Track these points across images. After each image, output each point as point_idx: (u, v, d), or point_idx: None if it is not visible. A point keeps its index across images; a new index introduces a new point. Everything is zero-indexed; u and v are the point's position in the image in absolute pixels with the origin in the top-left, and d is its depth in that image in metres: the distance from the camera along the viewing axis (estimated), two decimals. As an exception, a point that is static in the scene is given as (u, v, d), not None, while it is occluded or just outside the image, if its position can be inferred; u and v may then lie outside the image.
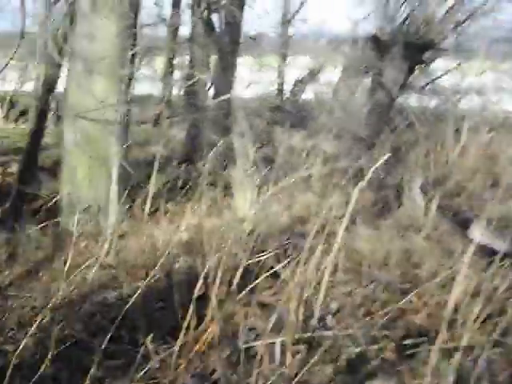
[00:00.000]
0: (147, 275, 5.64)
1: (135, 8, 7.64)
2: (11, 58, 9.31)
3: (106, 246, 6.31)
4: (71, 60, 8.45)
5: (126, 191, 8.34)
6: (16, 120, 27.43)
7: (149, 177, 9.80)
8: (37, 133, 12.26)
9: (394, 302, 5.31)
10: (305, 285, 4.64)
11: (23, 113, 29.39)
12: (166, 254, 6.31)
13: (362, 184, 3.72)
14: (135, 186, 10.70)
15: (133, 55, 7.58)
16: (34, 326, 4.46)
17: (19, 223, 9.56)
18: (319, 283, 5.03)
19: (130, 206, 8.76)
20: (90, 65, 7.97)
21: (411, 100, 17.14)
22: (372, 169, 3.58)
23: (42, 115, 12.34)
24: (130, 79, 8.02)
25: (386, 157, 3.55)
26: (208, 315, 4.41)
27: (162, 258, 6.09)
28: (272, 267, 5.26)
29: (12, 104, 29.95)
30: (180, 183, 13.58)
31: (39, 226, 8.26)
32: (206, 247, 6.27)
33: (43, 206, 11.39)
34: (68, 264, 6.89)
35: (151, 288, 5.28)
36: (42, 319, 4.99)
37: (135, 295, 4.72)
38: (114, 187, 6.57)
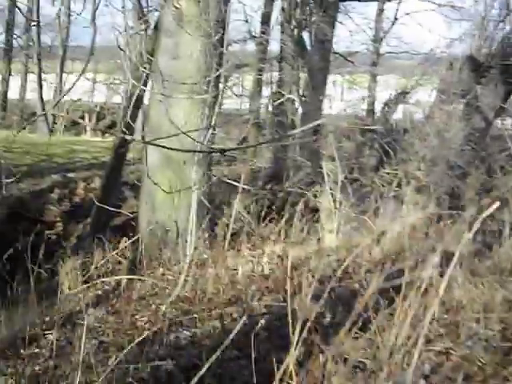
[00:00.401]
0: (224, 314, 5.17)
1: (222, 24, 7.21)
2: (82, 73, 9.02)
3: (183, 276, 5.86)
4: (154, 78, 8.10)
5: (208, 216, 7.93)
6: (104, 133, 27.74)
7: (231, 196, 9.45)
8: (121, 147, 12.08)
9: (494, 363, 4.63)
10: (396, 347, 4.04)
11: (111, 126, 29.74)
12: (246, 289, 5.85)
13: (469, 236, 3.09)
14: (218, 206, 10.35)
15: (218, 75, 7.12)
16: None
17: (100, 240, 9.37)
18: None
19: (212, 231, 8.35)
20: (172, 84, 7.58)
21: (508, 125, 16.23)
22: (480, 219, 2.95)
23: (127, 130, 12.15)
24: (215, 100, 7.58)
25: (495, 206, 2.92)
26: (288, 367, 3.86)
27: (242, 293, 5.64)
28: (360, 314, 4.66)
29: (100, 117, 30.38)
30: (265, 205, 13.23)
31: (117, 250, 7.99)
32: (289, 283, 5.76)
33: (124, 224, 11.21)
34: (143, 293, 6.59)
35: (228, 331, 4.79)
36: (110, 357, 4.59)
37: (210, 337, 4.26)
38: (194, 214, 6.12)
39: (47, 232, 12.34)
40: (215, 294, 5.80)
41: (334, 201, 9.44)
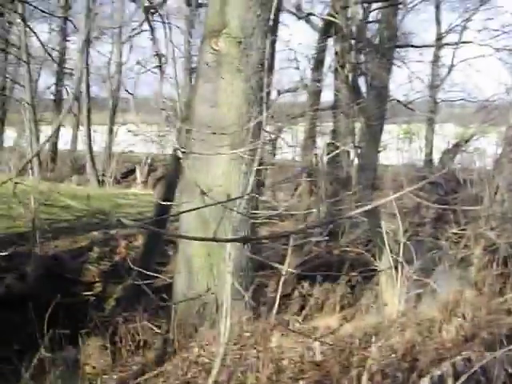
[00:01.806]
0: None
1: (266, 69, 6.31)
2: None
3: (217, 366, 4.90)
4: (192, 128, 7.25)
5: (252, 284, 6.98)
6: (154, 186, 27.17)
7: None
8: (166, 201, 11.31)
9: None
10: None
11: (162, 178, 29.13)
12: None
13: None
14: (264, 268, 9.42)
15: (260, 124, 6.16)
16: None
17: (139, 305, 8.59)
18: None
19: (258, 302, 7.38)
20: (211, 135, 6.70)
21: None
22: None
23: (172, 183, 11.40)
24: (260, 155, 6.64)
25: None
26: None
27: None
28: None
29: (152, 169, 29.90)
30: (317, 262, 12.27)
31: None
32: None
33: (166, 287, 10.38)
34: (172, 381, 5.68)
35: None
36: None
37: None
38: (228, 284, 5.17)
39: (85, 293, 11.62)
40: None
41: (396, 263, 8.43)
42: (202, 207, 4.22)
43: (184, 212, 5.70)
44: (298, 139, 22.86)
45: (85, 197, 18.05)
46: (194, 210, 5.18)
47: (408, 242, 8.56)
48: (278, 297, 6.95)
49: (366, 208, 4.20)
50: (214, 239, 2.96)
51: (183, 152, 5.22)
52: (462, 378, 2.95)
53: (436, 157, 26.73)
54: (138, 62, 27.69)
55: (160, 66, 8.12)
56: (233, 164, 6.99)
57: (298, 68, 17.29)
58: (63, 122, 29.76)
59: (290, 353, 5.45)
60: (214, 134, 6.51)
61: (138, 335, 7.19)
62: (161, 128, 29.73)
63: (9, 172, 22.98)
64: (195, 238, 4.88)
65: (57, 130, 28.48)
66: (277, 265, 5.46)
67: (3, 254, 9.53)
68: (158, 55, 8.68)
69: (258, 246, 9.86)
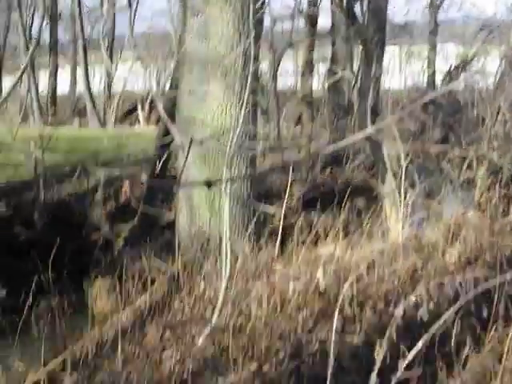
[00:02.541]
0: (267, 353, 4.21)
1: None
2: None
3: (220, 299, 4.94)
4: (184, 63, 7.12)
5: (254, 217, 6.96)
6: (157, 121, 26.95)
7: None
8: (166, 139, 11.24)
9: None
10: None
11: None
12: (297, 313, 4.88)
13: None
14: (267, 202, 9.39)
15: (255, 54, 6.02)
16: None
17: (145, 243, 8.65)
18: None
19: (260, 234, 7.38)
20: (203, 68, 6.58)
21: None
22: None
23: (171, 119, 11.30)
24: (255, 85, 6.53)
25: None
26: None
27: (291, 321, 4.68)
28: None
29: (153, 105, 29.66)
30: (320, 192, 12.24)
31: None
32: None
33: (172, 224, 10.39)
34: (180, 317, 5.73)
35: (270, 380, 3.84)
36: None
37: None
38: (227, 216, 5.15)
39: (93, 236, 11.67)
40: (259, 320, 4.85)
41: (399, 188, 8.39)
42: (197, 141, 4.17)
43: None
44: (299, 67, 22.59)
45: (87, 139, 18.00)
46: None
47: (410, 166, 8.49)
48: (281, 228, 6.97)
49: (366, 132, 4.11)
50: (207, 183, 2.90)
51: (168, 90, 5.11)
52: (461, 300, 2.93)
53: (438, 78, 26.38)
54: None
55: (130, 4, 7.91)
56: (227, 96, 6.89)
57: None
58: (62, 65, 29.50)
59: (293, 284, 5.46)
60: (206, 67, 6.38)
61: (145, 273, 7.24)
62: (156, 64, 29.49)
63: (9, 120, 22.86)
64: (188, 184, 4.81)
65: (54, 74, 28.28)
66: (271, 208, 5.42)
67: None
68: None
69: (261, 178, 9.84)
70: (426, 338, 2.30)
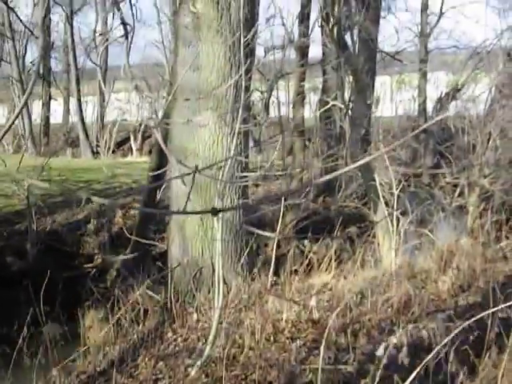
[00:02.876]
0: (263, 382, 4.19)
1: (248, 27, 6.16)
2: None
3: (214, 329, 4.90)
4: (177, 93, 7.15)
5: (247, 247, 6.95)
6: (150, 152, 26.98)
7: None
8: (158, 169, 11.25)
9: None
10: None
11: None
12: (290, 343, 4.87)
13: None
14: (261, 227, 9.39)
15: (247, 86, 6.07)
16: None
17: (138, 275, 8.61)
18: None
19: (254, 264, 7.38)
20: (195, 99, 6.60)
21: None
22: None
23: (163, 150, 11.32)
24: (246, 115, 6.56)
25: None
26: None
27: (285, 350, 4.67)
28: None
29: (146, 136, 29.71)
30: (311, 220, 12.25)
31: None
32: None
33: (164, 254, 10.37)
34: (173, 347, 5.70)
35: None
36: None
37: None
38: (219, 251, 5.14)
39: (85, 266, 11.63)
40: (253, 351, 4.83)
41: (391, 216, 8.41)
42: (185, 175, 4.16)
43: (169, 180, 5.60)
44: (291, 97, 22.68)
45: (79, 169, 17.99)
46: (177, 178, 5.09)
47: (402, 194, 8.52)
48: (274, 258, 6.97)
49: (359, 163, 4.13)
50: (182, 212, 2.90)
51: (162, 120, 5.12)
52: (454, 332, 2.93)
53: (430, 106, 26.54)
54: (101, 34, 27.26)
55: (126, 36, 7.95)
56: (218, 127, 6.91)
57: (283, 24, 17.00)
58: (56, 95, 29.58)
59: (287, 313, 5.44)
60: (198, 98, 6.40)
61: (138, 304, 7.20)
62: (146, 94, 29.54)
63: (2, 150, 22.89)
64: (165, 213, 4.79)
65: (47, 104, 28.35)
66: (267, 234, 5.43)
67: None
68: (124, 24, 8.49)
69: (254, 208, 9.85)
70: (419, 368, 2.30)
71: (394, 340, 2.26)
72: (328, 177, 4.15)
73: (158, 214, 7.55)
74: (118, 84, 30.65)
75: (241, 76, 5.38)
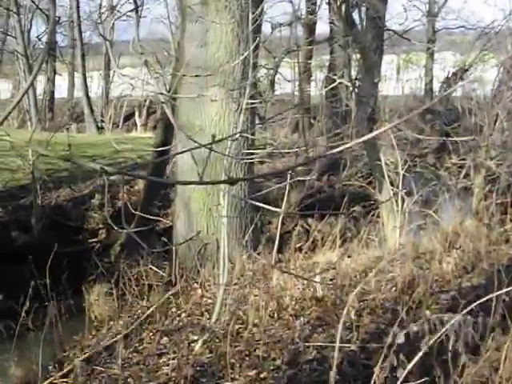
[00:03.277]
0: (264, 361, 4.20)
1: (256, 3, 6.11)
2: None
3: (218, 305, 4.93)
4: (184, 70, 7.12)
5: (251, 224, 6.96)
6: (155, 127, 26.93)
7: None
8: (163, 145, 11.24)
9: None
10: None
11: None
12: (294, 319, 4.88)
13: None
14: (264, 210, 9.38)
15: (255, 62, 6.04)
16: None
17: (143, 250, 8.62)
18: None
19: (258, 241, 7.39)
20: (202, 75, 6.56)
21: None
22: None
23: (168, 126, 11.31)
24: (253, 92, 6.51)
25: None
26: None
27: (288, 327, 4.68)
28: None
29: (150, 111, 29.67)
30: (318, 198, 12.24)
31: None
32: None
33: (168, 230, 10.38)
34: (177, 322, 5.72)
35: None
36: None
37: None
38: (224, 227, 5.15)
39: (90, 241, 11.66)
40: (257, 327, 4.85)
41: (396, 195, 8.39)
42: (192, 149, 4.16)
43: (176, 154, 5.58)
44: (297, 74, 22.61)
45: (84, 144, 17.95)
46: (184, 152, 5.09)
47: (407, 174, 8.50)
48: (278, 235, 6.97)
49: (363, 139, 4.12)
50: (200, 182, 2.91)
51: (170, 96, 5.08)
52: (460, 314, 2.92)
53: (436, 86, 26.42)
54: (112, 8, 27.12)
55: (136, 10, 7.90)
56: (225, 103, 6.90)
57: (291, 1, 16.94)
58: (61, 70, 29.47)
59: (291, 291, 5.46)
60: (205, 74, 6.37)
61: (143, 279, 7.23)
62: (155, 69, 29.43)
63: (7, 125, 22.84)
64: (183, 183, 4.80)
65: (52, 79, 28.27)
66: (273, 208, 5.41)
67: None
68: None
69: (258, 184, 9.85)
70: (424, 349, 2.31)
71: (414, 328, 2.26)
72: (333, 151, 4.14)
73: (170, 184, 7.50)
74: (122, 59, 30.57)
75: (249, 53, 5.35)
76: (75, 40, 27.82)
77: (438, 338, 2.50)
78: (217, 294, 5.93)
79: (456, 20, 28.27)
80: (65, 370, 5.21)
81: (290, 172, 7.17)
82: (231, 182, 2.25)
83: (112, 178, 13.66)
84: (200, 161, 6.43)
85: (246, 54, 5.68)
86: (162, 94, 4.90)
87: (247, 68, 6.15)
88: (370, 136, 3.39)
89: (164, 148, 10.63)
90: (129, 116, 30.01)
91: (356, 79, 13.13)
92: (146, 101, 29.57)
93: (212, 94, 6.62)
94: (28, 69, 24.54)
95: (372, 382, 2.40)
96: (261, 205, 3.28)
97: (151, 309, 5.88)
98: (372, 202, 9.86)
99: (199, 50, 6.96)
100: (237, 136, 5.22)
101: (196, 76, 6.23)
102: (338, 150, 2.64)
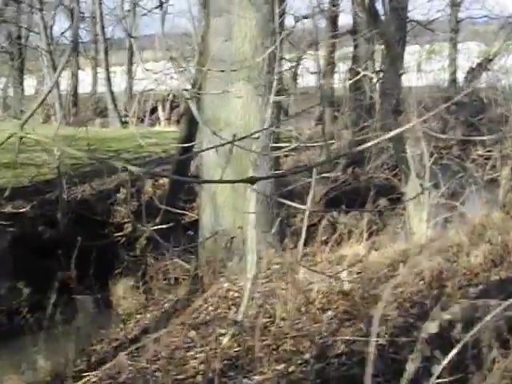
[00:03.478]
0: (293, 355, 4.20)
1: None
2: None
3: (245, 299, 4.93)
4: (209, 64, 7.12)
5: (277, 219, 6.95)
6: (178, 122, 26.99)
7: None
8: (188, 140, 11.27)
9: None
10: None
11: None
12: (321, 314, 4.87)
13: None
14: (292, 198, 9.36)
15: (280, 55, 6.03)
16: None
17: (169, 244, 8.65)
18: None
19: (284, 234, 7.39)
20: (227, 70, 6.56)
21: None
22: None
23: (192, 120, 11.31)
24: (278, 86, 6.49)
25: None
26: None
27: (315, 322, 4.68)
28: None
29: (174, 105, 29.72)
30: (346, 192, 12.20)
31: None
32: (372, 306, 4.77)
33: (194, 224, 10.39)
34: (203, 316, 5.74)
35: (296, 380, 3.83)
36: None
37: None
38: (252, 218, 5.15)
39: (116, 235, 11.72)
40: (284, 321, 4.84)
41: (422, 188, 8.33)
42: (217, 146, 4.16)
43: (200, 151, 5.60)
44: (320, 66, 22.53)
45: (108, 139, 18.05)
46: (209, 149, 5.09)
47: (434, 166, 8.43)
48: (304, 230, 6.94)
49: (391, 134, 4.08)
50: (220, 181, 2.91)
51: (193, 91, 5.07)
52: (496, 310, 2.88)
53: (460, 76, 26.21)
54: (135, 4, 27.18)
55: (161, 6, 7.90)
56: (251, 97, 6.89)
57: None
58: (84, 65, 29.61)
59: (318, 284, 5.45)
60: (231, 69, 6.36)
61: (169, 273, 7.26)
62: (179, 64, 29.45)
63: (32, 120, 22.99)
64: (204, 181, 4.79)
65: (76, 74, 28.42)
66: (299, 206, 5.40)
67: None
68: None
69: (284, 179, 9.83)
70: (459, 345, 2.28)
71: (446, 316, 2.23)
72: (360, 148, 4.12)
73: (193, 183, 7.52)
74: (145, 54, 30.63)
75: (276, 46, 5.34)
76: (97, 35, 27.97)
77: (480, 326, 2.46)
78: (243, 288, 5.94)
79: (480, 10, 27.92)
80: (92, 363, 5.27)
81: (315, 167, 7.14)
82: (251, 181, 2.24)
83: (136, 171, 13.75)
84: (226, 156, 6.45)
85: (272, 48, 5.66)
86: (186, 90, 4.89)
87: (272, 62, 6.15)
88: (397, 131, 3.37)
89: (188, 144, 10.64)
90: (152, 110, 30.05)
91: (380, 71, 13.05)
92: (169, 95, 29.62)
93: (237, 89, 6.63)
94: (52, 65, 24.69)
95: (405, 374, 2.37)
96: (287, 202, 3.26)
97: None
98: (398, 195, 9.82)
99: (224, 44, 6.95)
100: (266, 130, 5.21)
101: (223, 72, 6.23)
102: (366, 146, 2.63)
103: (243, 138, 3.90)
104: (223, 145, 3.24)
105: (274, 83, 5.19)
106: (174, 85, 30.11)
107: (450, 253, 6.28)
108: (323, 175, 11.94)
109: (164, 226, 6.97)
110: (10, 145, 3.16)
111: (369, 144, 2.40)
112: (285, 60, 15.90)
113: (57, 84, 25.10)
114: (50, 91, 13.35)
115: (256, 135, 5.22)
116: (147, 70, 12.38)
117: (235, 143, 3.50)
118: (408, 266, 5.74)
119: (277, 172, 7.10)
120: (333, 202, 11.17)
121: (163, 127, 26.32)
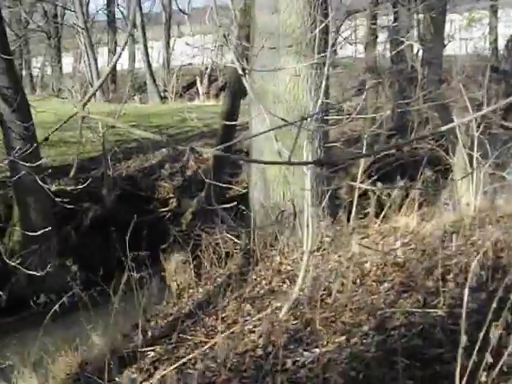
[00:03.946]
0: (352, 327, 4.21)
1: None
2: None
3: (302, 272, 4.94)
4: (255, 37, 7.10)
5: (329, 190, 6.93)
6: (217, 96, 27.02)
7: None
8: (231, 114, 11.26)
9: None
10: None
11: (224, 88, 28.84)
12: (377, 286, 4.87)
13: None
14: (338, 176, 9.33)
15: (326, 26, 5.97)
16: None
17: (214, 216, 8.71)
18: None
19: (335, 206, 7.38)
20: (274, 41, 6.55)
21: None
22: None
23: (235, 93, 11.30)
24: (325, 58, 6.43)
25: None
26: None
27: (372, 294, 4.68)
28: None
29: (212, 79, 29.71)
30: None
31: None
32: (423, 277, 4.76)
33: (238, 197, 10.43)
34: (258, 290, 5.78)
35: (357, 353, 3.84)
36: None
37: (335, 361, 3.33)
38: (308, 192, 5.15)
39: (161, 210, 11.83)
40: (341, 294, 4.86)
41: (470, 158, 8.23)
42: (274, 129, 4.15)
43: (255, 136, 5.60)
44: (359, 36, 22.23)
45: (149, 115, 18.13)
46: (264, 132, 5.08)
47: (482, 136, 8.31)
48: (355, 202, 6.94)
49: (446, 127, 4.06)
50: (287, 163, 2.92)
51: (243, 68, 5.04)
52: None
53: (501, 44, 25.77)
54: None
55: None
56: (300, 68, 6.84)
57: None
58: (119, 44, 29.70)
59: (371, 257, 5.44)
60: (281, 45, 6.33)
61: (220, 247, 7.30)
62: (217, 37, 29.39)
63: (71, 98, 23.19)
64: (264, 162, 4.78)
65: (113, 51, 28.54)
66: (350, 183, 5.39)
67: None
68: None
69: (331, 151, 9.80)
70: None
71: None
72: (416, 138, 4.08)
73: (257, 163, 7.51)
74: (181, 28, 30.62)
75: (327, 18, 5.30)
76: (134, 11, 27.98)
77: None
78: (296, 261, 5.97)
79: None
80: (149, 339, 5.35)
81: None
82: (319, 163, 2.22)
83: (180, 147, 13.82)
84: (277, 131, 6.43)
85: (326, 22, 5.62)
86: (239, 63, 4.86)
87: (324, 35, 6.12)
88: (454, 124, 3.33)
89: (231, 123, 10.60)
90: (190, 85, 30.11)
91: (422, 40, 12.86)
92: (207, 69, 29.63)
93: (285, 62, 6.60)
94: (89, 42, 24.84)
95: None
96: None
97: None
98: (444, 166, 9.73)
99: (270, 17, 6.92)
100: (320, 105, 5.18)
101: (273, 49, 6.22)
102: (421, 137, 2.61)
103: (305, 118, 3.89)
104: (281, 127, 3.23)
105: (328, 56, 5.14)
106: (228, 59, 30.17)
107: (501, 223, 6.22)
108: (367, 145, 11.85)
109: (227, 206, 7.02)
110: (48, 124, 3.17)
111: (426, 134, 2.38)
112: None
113: (94, 60, 25.34)
114: (109, 72, 13.41)
115: (311, 111, 5.21)
116: (188, 44, 12.40)
117: (289, 122, 3.50)
118: (459, 236, 5.71)
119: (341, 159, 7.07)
120: (376, 173, 11.09)
121: (202, 101, 26.35)
